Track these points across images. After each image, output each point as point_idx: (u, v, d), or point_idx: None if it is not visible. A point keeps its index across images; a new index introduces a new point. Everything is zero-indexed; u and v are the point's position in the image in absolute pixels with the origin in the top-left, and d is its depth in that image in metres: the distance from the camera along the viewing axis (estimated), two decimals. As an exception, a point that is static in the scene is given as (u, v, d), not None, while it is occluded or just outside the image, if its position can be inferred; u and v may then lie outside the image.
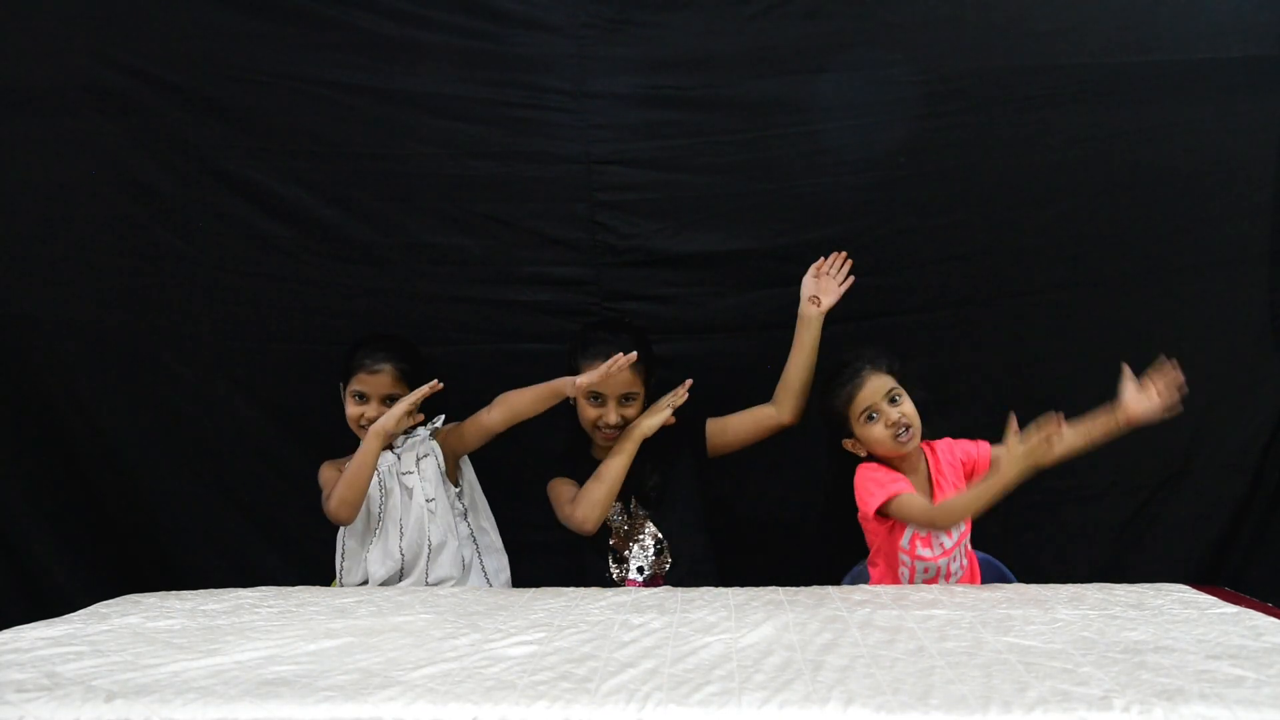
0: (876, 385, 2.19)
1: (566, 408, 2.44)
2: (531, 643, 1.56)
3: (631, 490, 2.37)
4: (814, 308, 2.35)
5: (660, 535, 2.36)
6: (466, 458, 2.52)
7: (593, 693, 1.30)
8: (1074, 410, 2.58)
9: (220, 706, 1.28)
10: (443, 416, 2.49)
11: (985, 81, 2.55)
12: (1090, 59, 2.54)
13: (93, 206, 2.60)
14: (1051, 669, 1.37)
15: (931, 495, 2.21)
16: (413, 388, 2.37)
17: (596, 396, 2.36)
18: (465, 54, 2.60)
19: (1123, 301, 2.56)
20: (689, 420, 2.41)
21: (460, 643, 1.58)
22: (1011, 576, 2.35)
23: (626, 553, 2.36)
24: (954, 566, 2.23)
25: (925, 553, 2.21)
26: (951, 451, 2.27)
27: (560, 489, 2.41)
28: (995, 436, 2.57)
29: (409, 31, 2.59)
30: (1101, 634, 1.59)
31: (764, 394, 2.59)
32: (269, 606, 1.92)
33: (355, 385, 2.40)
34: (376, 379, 2.39)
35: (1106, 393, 2.58)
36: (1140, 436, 2.56)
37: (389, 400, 2.38)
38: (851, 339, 2.57)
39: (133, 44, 2.58)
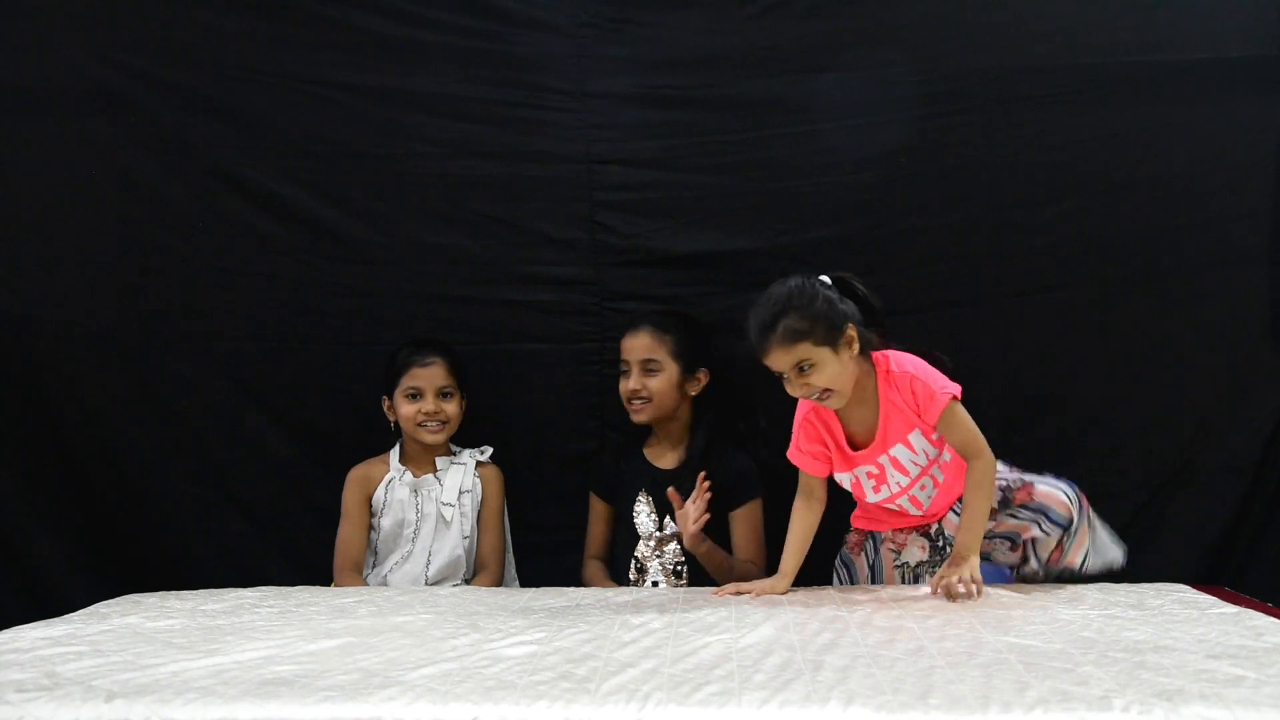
0: (779, 359, 1.93)
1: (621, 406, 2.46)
2: (531, 643, 1.56)
3: (667, 510, 2.35)
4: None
5: (684, 559, 2.35)
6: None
7: (593, 693, 1.30)
8: (1072, 410, 2.59)
9: (220, 706, 1.28)
10: (490, 449, 2.51)
11: (985, 81, 2.55)
12: (1090, 59, 2.54)
13: (93, 206, 2.60)
14: (1051, 669, 1.37)
15: (876, 427, 2.02)
16: (459, 384, 2.45)
17: (624, 369, 2.41)
18: (465, 54, 2.60)
19: (1123, 301, 2.56)
20: (748, 471, 2.38)
21: (460, 643, 1.58)
22: (1012, 576, 2.35)
23: (647, 563, 2.35)
24: (921, 496, 2.10)
25: (874, 497, 2.11)
26: (910, 388, 1.99)
27: (589, 521, 2.48)
28: (995, 438, 2.58)
29: (409, 31, 2.59)
30: (1101, 634, 1.59)
31: (761, 394, 2.59)
32: (269, 606, 1.92)
33: (409, 382, 2.42)
34: (430, 371, 2.42)
35: (1106, 393, 2.59)
36: (1140, 437, 2.57)
37: (443, 394, 2.42)
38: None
39: (133, 44, 2.58)
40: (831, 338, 1.93)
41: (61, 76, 2.58)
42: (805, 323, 1.92)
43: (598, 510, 2.48)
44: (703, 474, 2.21)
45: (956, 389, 1.98)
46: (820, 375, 1.94)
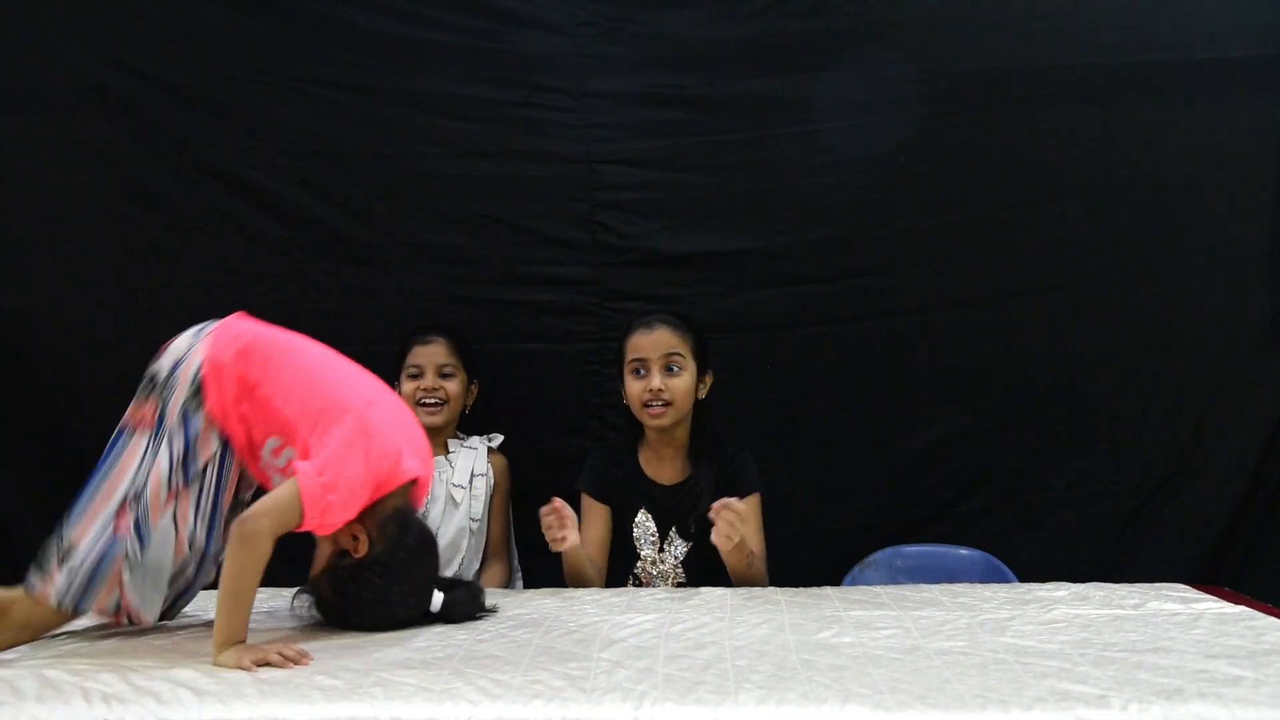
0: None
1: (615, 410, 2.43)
2: (528, 642, 1.56)
3: (669, 526, 2.30)
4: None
5: (684, 579, 2.28)
6: None
7: (589, 691, 1.30)
8: (1072, 409, 2.59)
9: (218, 707, 1.28)
10: (501, 437, 2.50)
11: (985, 81, 2.55)
12: (1090, 59, 2.54)
13: (93, 206, 2.60)
14: (1050, 668, 1.37)
15: None
16: (465, 366, 2.44)
17: (639, 369, 2.28)
18: (465, 54, 2.60)
19: (1123, 301, 2.56)
20: (748, 465, 2.30)
21: (457, 642, 1.58)
22: (1012, 576, 2.35)
23: (648, 580, 2.30)
24: None
25: None
26: None
27: (584, 519, 2.29)
28: (995, 437, 2.59)
29: (409, 31, 2.59)
30: (1100, 634, 1.59)
31: (762, 394, 2.59)
32: (268, 607, 1.92)
33: (411, 360, 2.43)
34: (430, 349, 2.43)
35: (1106, 393, 2.59)
36: (1140, 436, 2.57)
37: (443, 373, 2.42)
38: (851, 340, 2.58)
39: (133, 44, 2.58)
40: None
41: (61, 76, 2.57)
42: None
43: (595, 511, 2.32)
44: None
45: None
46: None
